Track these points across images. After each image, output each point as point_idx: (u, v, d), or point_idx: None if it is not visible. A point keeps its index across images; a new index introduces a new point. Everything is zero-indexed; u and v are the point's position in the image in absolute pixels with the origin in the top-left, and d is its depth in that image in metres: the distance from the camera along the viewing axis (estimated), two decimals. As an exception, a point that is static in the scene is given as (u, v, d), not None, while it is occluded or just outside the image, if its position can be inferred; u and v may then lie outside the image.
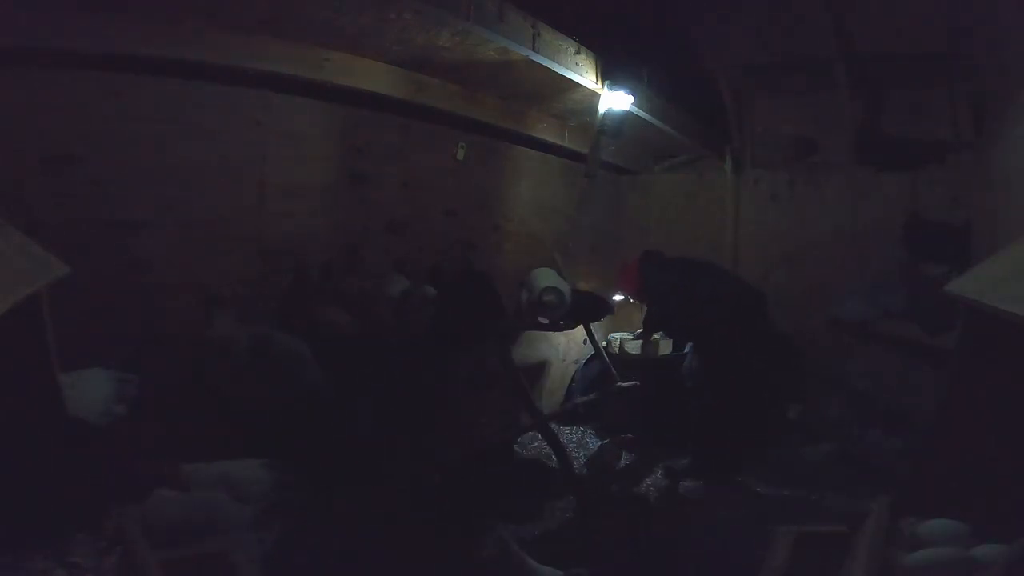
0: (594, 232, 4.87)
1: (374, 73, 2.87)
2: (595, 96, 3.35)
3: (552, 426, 3.45)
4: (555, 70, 2.94)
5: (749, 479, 3.39)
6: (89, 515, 1.43)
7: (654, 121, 3.79)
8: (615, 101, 3.35)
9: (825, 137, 4.44)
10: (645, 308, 3.87)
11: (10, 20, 1.91)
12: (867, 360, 3.75)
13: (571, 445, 3.77)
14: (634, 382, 3.94)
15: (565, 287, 3.77)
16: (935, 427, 1.68)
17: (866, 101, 4.17)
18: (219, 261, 2.50)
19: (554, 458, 3.21)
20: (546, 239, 4.31)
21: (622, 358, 4.30)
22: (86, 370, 1.82)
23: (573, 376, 4.50)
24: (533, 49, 2.76)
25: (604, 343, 4.33)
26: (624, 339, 4.59)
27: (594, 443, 3.83)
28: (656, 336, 4.21)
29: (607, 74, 3.28)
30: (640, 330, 4.12)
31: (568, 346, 4.47)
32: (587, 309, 3.91)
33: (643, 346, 4.38)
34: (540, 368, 4.25)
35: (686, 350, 4.06)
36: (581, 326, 4.02)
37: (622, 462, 3.32)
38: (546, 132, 4.04)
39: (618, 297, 4.15)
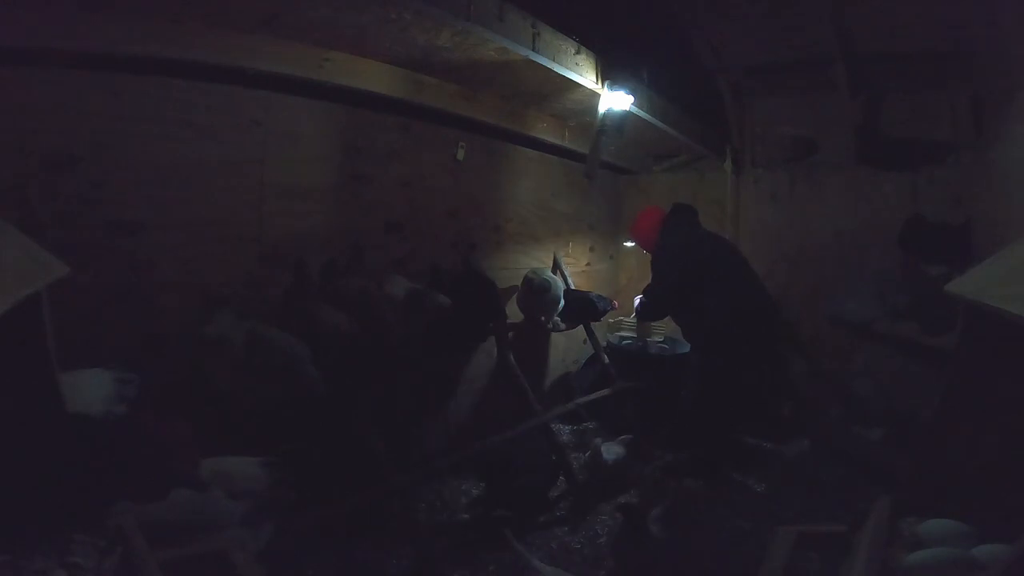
0: (594, 232, 4.88)
1: (374, 73, 2.87)
2: (595, 96, 3.35)
3: (552, 426, 3.45)
4: (555, 70, 2.94)
5: (749, 479, 3.39)
6: (89, 515, 1.43)
7: (654, 121, 3.79)
8: (615, 101, 3.35)
9: (825, 137, 4.45)
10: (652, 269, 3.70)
11: (10, 20, 1.91)
12: (867, 360, 3.76)
13: (571, 445, 3.77)
14: (634, 382, 3.95)
15: (563, 284, 3.77)
16: (935, 427, 1.68)
17: (866, 101, 4.17)
18: (219, 261, 2.50)
19: (554, 458, 3.21)
20: (546, 239, 4.31)
21: (620, 354, 4.30)
22: (86, 370, 1.82)
23: (573, 376, 4.51)
24: (533, 49, 2.76)
25: (604, 343, 4.34)
26: (622, 320, 4.58)
27: (593, 443, 3.82)
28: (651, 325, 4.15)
29: (607, 74, 3.28)
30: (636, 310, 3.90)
31: (568, 346, 4.48)
32: (587, 309, 3.92)
33: (638, 329, 4.36)
34: (540, 368, 4.27)
35: (681, 350, 4.04)
36: (581, 326, 4.04)
37: (619, 459, 3.32)
38: (546, 132, 4.04)
39: (628, 243, 4.06)
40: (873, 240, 4.11)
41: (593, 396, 3.84)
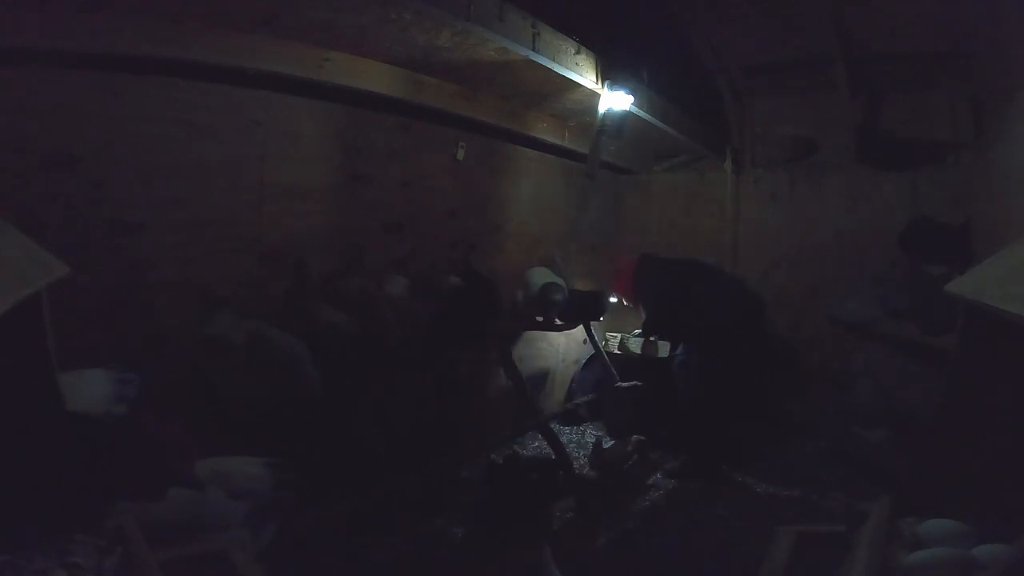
0: (594, 232, 4.87)
1: (374, 73, 2.87)
2: (595, 96, 3.35)
3: (552, 426, 3.45)
4: (555, 70, 2.94)
5: (749, 479, 3.39)
6: (89, 515, 1.43)
7: (654, 121, 3.80)
8: (615, 101, 3.35)
9: (825, 137, 4.45)
10: (643, 311, 3.87)
11: (10, 20, 1.90)
12: (867, 360, 3.75)
13: (571, 445, 3.77)
14: (634, 382, 3.96)
15: (561, 283, 3.77)
16: (935, 427, 1.68)
17: (866, 101, 4.18)
18: (219, 261, 2.49)
19: (554, 458, 3.21)
20: (546, 239, 4.31)
21: (624, 356, 4.30)
22: (86, 370, 1.82)
23: (573, 376, 4.51)
24: (533, 49, 2.76)
25: (604, 342, 4.34)
26: (626, 337, 4.59)
27: (593, 443, 3.82)
28: (654, 338, 4.21)
29: (607, 74, 3.28)
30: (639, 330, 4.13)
31: (568, 346, 4.47)
32: (586, 308, 3.93)
33: (643, 346, 4.39)
34: (540, 368, 4.26)
35: (679, 351, 4.06)
36: (581, 326, 4.04)
37: (628, 463, 3.32)
38: (546, 132, 4.04)
39: (613, 299, 4.16)
40: (873, 240, 4.11)
41: (593, 396, 3.84)
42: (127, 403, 1.86)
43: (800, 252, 4.50)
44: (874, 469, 3.12)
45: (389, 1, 2.26)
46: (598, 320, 4.11)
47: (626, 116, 3.49)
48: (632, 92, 3.35)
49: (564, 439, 3.77)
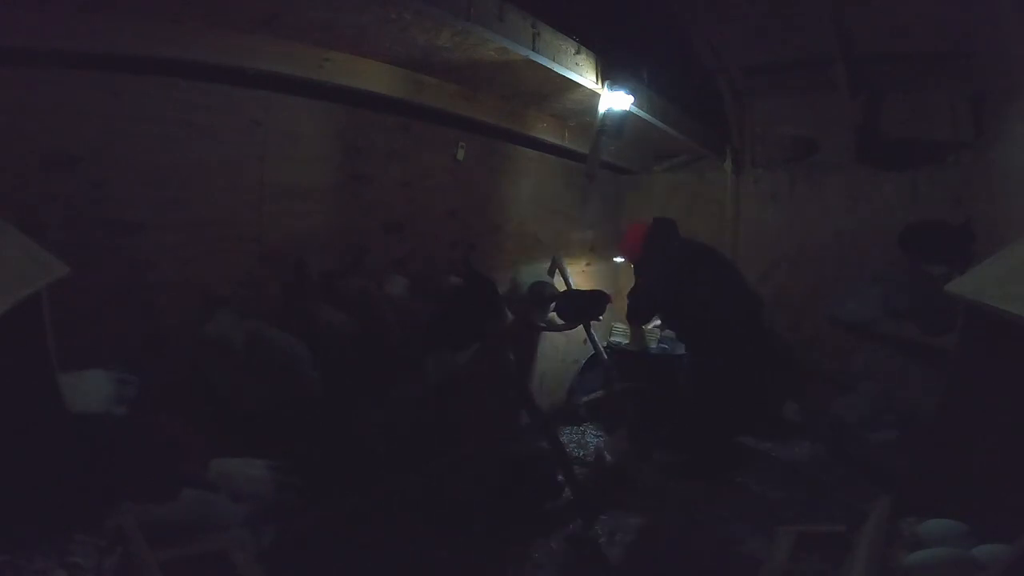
0: (594, 232, 4.88)
1: (374, 73, 2.87)
2: (595, 96, 3.35)
3: (552, 426, 3.45)
4: (555, 70, 2.94)
5: (749, 479, 3.39)
6: (89, 515, 1.43)
7: (654, 121, 3.79)
8: (615, 101, 3.35)
9: (825, 137, 4.45)
10: (641, 278, 3.74)
11: (10, 20, 1.90)
12: (867, 360, 3.76)
13: (571, 445, 3.77)
14: (634, 383, 3.95)
15: (550, 281, 3.76)
16: (935, 427, 1.68)
17: (866, 101, 4.18)
18: (219, 261, 2.49)
19: (554, 458, 3.21)
20: (546, 239, 4.31)
21: (613, 350, 4.30)
22: (86, 370, 1.82)
23: (573, 376, 4.51)
24: (533, 49, 2.76)
25: (604, 343, 4.34)
26: (615, 327, 4.58)
27: (593, 443, 3.83)
28: (649, 326, 4.16)
29: (607, 74, 3.28)
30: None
31: (568, 346, 4.47)
32: (586, 308, 3.92)
33: (632, 335, 4.36)
34: (540, 368, 4.26)
35: (680, 351, 4.05)
36: (581, 326, 4.04)
37: (619, 459, 3.33)
38: (546, 132, 4.04)
39: (618, 259, 4.10)
40: (873, 240, 4.11)
41: (593, 396, 3.84)
42: (127, 403, 1.87)
43: (800, 252, 4.51)
44: (874, 469, 3.12)
45: (389, 1, 2.26)
46: (598, 320, 4.10)
47: (626, 116, 3.49)
48: (632, 92, 3.35)
49: (564, 439, 3.77)
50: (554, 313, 3.75)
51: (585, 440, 3.90)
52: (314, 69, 2.66)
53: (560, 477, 3.16)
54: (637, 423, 3.70)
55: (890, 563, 1.45)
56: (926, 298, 3.16)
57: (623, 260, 4.09)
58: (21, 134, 2.01)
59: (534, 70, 2.94)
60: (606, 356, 4.09)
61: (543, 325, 3.77)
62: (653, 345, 4.55)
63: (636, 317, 4.02)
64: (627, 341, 4.61)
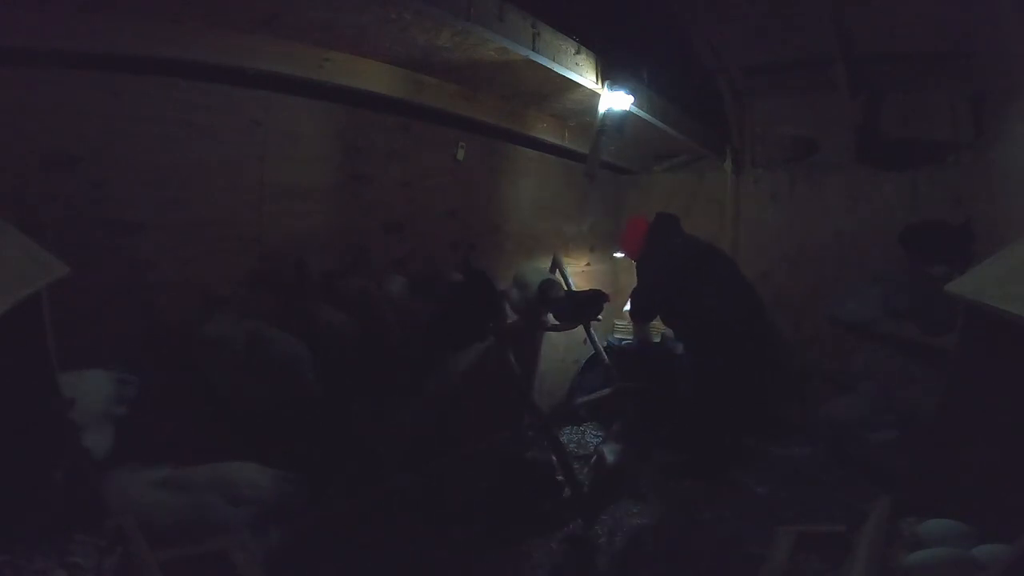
0: (594, 232, 4.88)
1: (374, 73, 2.87)
2: (595, 96, 3.35)
3: (552, 426, 3.45)
4: (555, 70, 2.94)
5: (749, 479, 3.39)
6: (89, 515, 1.43)
7: (654, 121, 3.79)
8: (615, 101, 3.35)
9: (825, 137, 4.45)
10: (641, 276, 3.73)
11: (10, 20, 1.90)
12: (867, 360, 3.75)
13: (571, 445, 3.78)
14: (634, 383, 3.95)
15: (557, 279, 3.76)
16: (935, 427, 1.68)
17: (866, 101, 4.17)
18: (219, 261, 2.49)
19: (554, 458, 3.21)
20: (546, 239, 4.31)
21: (618, 350, 4.30)
22: (86, 370, 1.82)
23: (573, 376, 4.51)
24: (533, 49, 2.76)
25: (604, 343, 4.34)
26: (616, 324, 4.58)
27: (593, 443, 3.83)
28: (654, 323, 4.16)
29: (607, 74, 3.28)
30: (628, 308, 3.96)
31: (568, 346, 4.47)
32: (586, 308, 3.92)
33: (635, 331, 4.35)
34: (540, 368, 4.26)
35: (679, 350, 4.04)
36: (580, 326, 4.04)
37: (619, 459, 3.32)
38: (546, 132, 4.04)
39: (618, 254, 4.09)
40: (873, 240, 4.11)
41: (593, 396, 3.84)
42: (127, 403, 1.87)
43: (800, 252, 4.50)
44: (874, 469, 3.12)
45: (389, 1, 2.26)
46: (598, 320, 4.10)
47: (626, 116, 3.49)
48: (632, 92, 3.35)
49: (564, 439, 3.78)
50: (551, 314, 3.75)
51: (585, 440, 3.90)
52: (314, 69, 2.66)
53: (560, 477, 3.16)
54: (637, 423, 3.70)
55: (890, 563, 1.45)
56: (926, 298, 3.16)
57: (622, 256, 4.07)
58: (21, 134, 2.01)
59: (534, 70, 2.94)
60: (606, 356, 4.09)
61: (549, 325, 3.77)
62: (656, 339, 4.54)
63: (638, 315, 4.02)
64: (629, 339, 4.61)
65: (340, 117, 2.94)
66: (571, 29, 3.03)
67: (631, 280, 5.02)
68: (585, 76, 3.16)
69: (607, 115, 3.42)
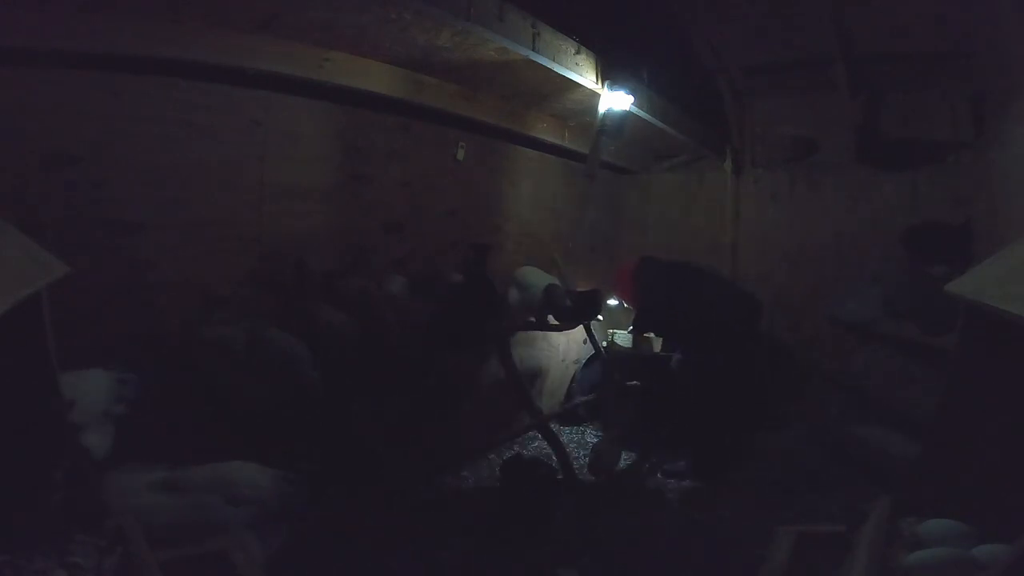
0: (594, 232, 4.87)
1: (374, 73, 2.87)
2: (595, 96, 3.35)
3: (552, 426, 3.45)
4: (555, 70, 2.94)
5: (749, 479, 3.39)
6: (89, 515, 1.43)
7: (654, 121, 3.79)
8: (615, 101, 3.35)
9: (825, 137, 4.45)
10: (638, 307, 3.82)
11: (10, 20, 1.90)
12: (867, 360, 3.75)
13: (571, 445, 3.77)
14: (634, 383, 3.95)
15: (559, 283, 3.76)
16: (935, 427, 1.68)
17: (866, 101, 4.17)
18: (219, 261, 2.50)
19: (554, 458, 3.21)
20: (546, 239, 4.31)
21: (613, 352, 4.30)
22: (86, 370, 1.82)
23: (573, 376, 4.50)
24: (533, 49, 2.76)
25: (604, 343, 4.33)
26: (616, 332, 4.59)
27: (593, 443, 3.82)
28: (649, 335, 4.20)
29: (607, 74, 3.28)
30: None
31: (568, 346, 4.47)
32: (584, 308, 3.91)
33: (635, 342, 4.37)
34: (540, 368, 4.25)
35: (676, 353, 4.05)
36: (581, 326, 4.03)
37: (621, 461, 3.32)
38: (546, 132, 4.04)
39: (613, 301, 4.14)
40: (873, 240, 4.11)
41: (593, 396, 3.84)
42: (127, 403, 1.87)
43: (800, 252, 4.50)
44: (874, 469, 3.12)
45: (389, 1, 2.26)
46: (597, 320, 4.10)
47: (626, 116, 3.49)
48: (632, 92, 3.35)
49: (564, 439, 3.77)
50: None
51: (585, 440, 3.89)
52: (314, 69, 2.66)
53: (560, 477, 3.16)
54: (637, 423, 3.70)
55: (890, 563, 1.45)
56: (926, 298, 3.15)
57: (620, 303, 4.14)
58: (21, 134, 2.01)
59: (534, 70, 2.94)
60: (606, 356, 4.09)
61: (549, 324, 3.76)
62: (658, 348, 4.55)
63: (640, 330, 4.09)
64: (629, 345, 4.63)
65: (340, 117, 2.94)
66: (571, 29, 3.03)
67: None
68: (585, 76, 3.16)
69: (607, 115, 3.42)
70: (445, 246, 3.53)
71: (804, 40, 4.03)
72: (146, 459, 1.86)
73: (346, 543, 2.32)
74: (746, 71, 4.50)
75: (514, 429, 3.20)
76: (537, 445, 3.65)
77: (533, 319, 3.69)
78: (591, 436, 3.94)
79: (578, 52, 3.09)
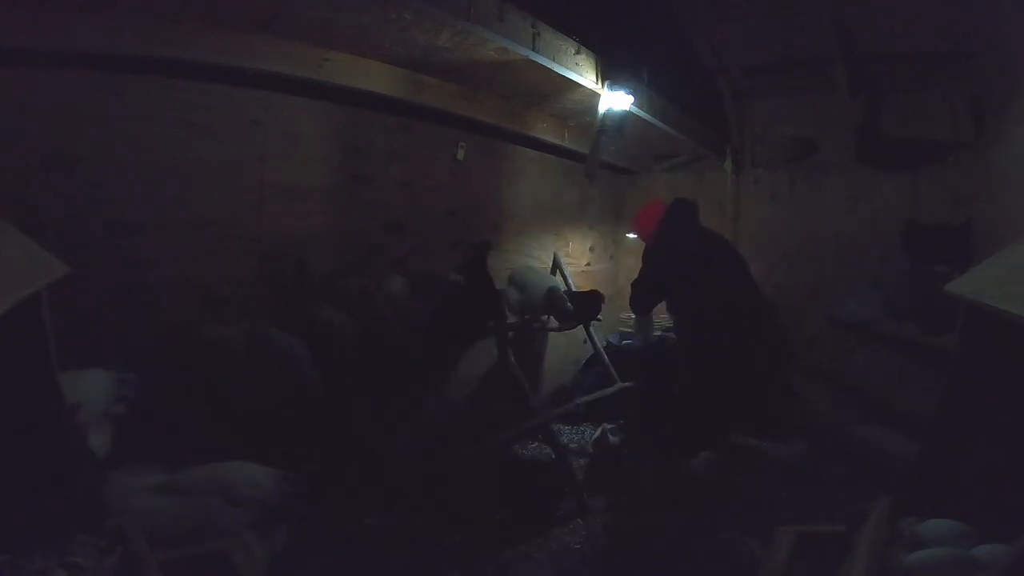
0: (594, 232, 4.88)
1: (374, 73, 2.87)
2: (595, 96, 3.35)
3: (552, 426, 3.45)
4: (555, 70, 2.94)
5: (749, 479, 3.39)
6: (89, 515, 1.43)
7: (654, 121, 3.80)
8: (615, 101, 3.35)
9: (825, 137, 4.45)
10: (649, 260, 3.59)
11: (10, 20, 1.91)
12: (867, 360, 3.75)
13: (571, 445, 3.77)
14: (634, 382, 3.95)
15: (559, 284, 3.75)
16: (935, 427, 1.68)
17: (866, 101, 4.18)
18: (219, 261, 2.49)
19: (554, 458, 3.21)
20: (546, 239, 4.31)
21: (618, 350, 4.30)
22: (86, 370, 1.82)
23: (573, 376, 4.51)
24: (533, 49, 2.76)
25: (603, 343, 4.33)
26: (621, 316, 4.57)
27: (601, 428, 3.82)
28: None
29: (607, 74, 3.28)
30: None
31: (568, 346, 4.47)
32: (583, 310, 3.91)
33: (635, 324, 4.32)
34: (539, 368, 4.26)
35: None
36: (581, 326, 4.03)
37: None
38: (546, 132, 4.04)
39: (630, 235, 4.05)
40: (873, 240, 4.11)
41: (593, 396, 3.84)
42: (127, 403, 1.87)
43: (800, 252, 4.50)
44: (874, 468, 3.12)
45: (389, 1, 2.26)
46: (598, 320, 4.10)
47: (626, 116, 3.49)
48: (632, 92, 3.35)
49: (564, 439, 3.77)
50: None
51: (585, 440, 3.89)
52: (314, 69, 2.66)
53: (560, 477, 3.16)
54: (637, 423, 3.70)
55: (890, 563, 1.45)
56: (926, 298, 3.15)
57: (634, 236, 4.00)
58: (21, 134, 2.01)
59: (534, 70, 2.94)
60: (606, 356, 4.09)
61: (550, 325, 3.76)
62: (657, 333, 4.49)
63: (639, 306, 3.95)
64: (630, 340, 4.60)
65: (340, 117, 2.94)
66: (571, 29, 3.04)
67: (632, 276, 5.03)
68: (585, 76, 3.16)
69: (607, 115, 3.42)
70: (445, 246, 3.53)
71: (804, 40, 4.03)
72: (146, 459, 1.86)
73: (346, 543, 2.33)
74: (746, 71, 4.50)
75: (514, 429, 3.20)
76: (537, 445, 3.65)
77: (537, 324, 3.69)
78: (591, 436, 3.94)
79: (578, 52, 3.09)
